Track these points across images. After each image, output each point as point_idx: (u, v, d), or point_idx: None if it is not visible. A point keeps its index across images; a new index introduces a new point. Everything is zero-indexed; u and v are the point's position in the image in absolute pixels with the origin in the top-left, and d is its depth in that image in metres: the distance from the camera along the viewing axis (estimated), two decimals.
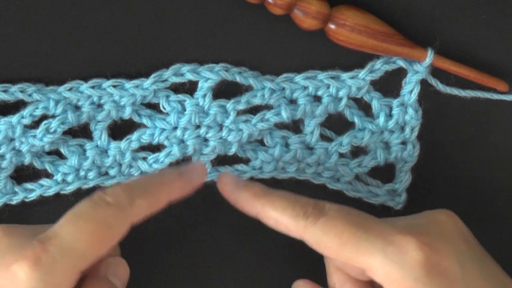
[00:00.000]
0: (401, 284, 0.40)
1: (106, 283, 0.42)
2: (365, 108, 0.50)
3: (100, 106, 0.48)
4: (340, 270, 0.45)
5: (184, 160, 0.49)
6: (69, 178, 0.49)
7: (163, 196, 0.42)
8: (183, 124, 0.48)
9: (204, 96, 0.48)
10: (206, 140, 0.49)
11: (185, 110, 0.48)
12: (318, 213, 0.42)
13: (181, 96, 0.48)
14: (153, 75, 0.48)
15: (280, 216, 0.42)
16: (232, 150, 0.49)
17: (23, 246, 0.39)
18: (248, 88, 0.49)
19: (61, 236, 0.39)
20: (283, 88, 0.49)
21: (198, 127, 0.49)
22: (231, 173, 0.46)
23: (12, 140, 0.47)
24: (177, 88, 0.48)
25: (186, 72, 0.48)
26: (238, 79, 0.48)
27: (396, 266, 0.40)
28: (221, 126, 0.49)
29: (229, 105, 0.48)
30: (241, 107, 0.48)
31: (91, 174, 0.49)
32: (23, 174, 0.49)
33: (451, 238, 0.43)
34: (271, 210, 0.43)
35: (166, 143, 0.48)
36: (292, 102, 0.49)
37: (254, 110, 0.49)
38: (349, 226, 0.41)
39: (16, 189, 0.49)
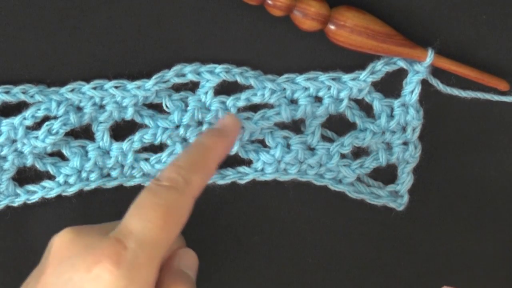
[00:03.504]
0: None
1: (182, 274, 0.42)
2: (366, 108, 0.50)
3: (102, 107, 0.48)
4: None
5: None
6: (71, 180, 0.49)
7: (213, 164, 0.43)
8: (186, 121, 0.48)
9: (206, 93, 0.48)
10: None
11: (188, 108, 0.48)
12: None
13: (183, 93, 0.48)
14: (155, 76, 0.48)
15: None
16: (234, 149, 0.49)
17: (100, 246, 0.38)
18: (250, 88, 0.49)
19: (135, 230, 0.38)
20: (284, 89, 0.49)
21: (200, 124, 0.49)
22: None
23: (14, 141, 0.48)
24: (179, 89, 0.49)
25: (188, 72, 0.48)
26: (239, 79, 0.48)
27: None
28: None
29: (229, 101, 0.48)
30: (240, 104, 0.48)
31: (93, 176, 0.49)
32: (25, 176, 0.49)
33: None
34: None
35: (168, 142, 0.49)
36: (293, 102, 0.49)
37: (256, 109, 0.49)
38: None
39: (18, 191, 0.49)
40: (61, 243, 0.40)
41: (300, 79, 0.49)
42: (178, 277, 0.42)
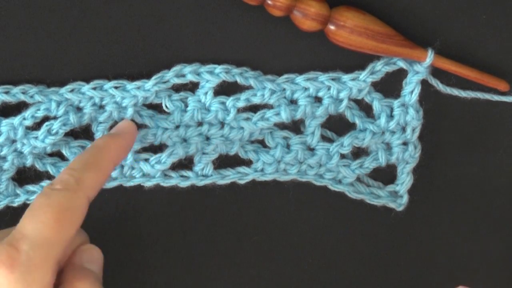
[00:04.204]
0: None
1: (84, 271, 0.42)
2: (366, 109, 0.50)
3: (101, 107, 0.48)
4: None
5: (186, 160, 0.49)
6: None
7: (106, 163, 0.43)
8: (185, 121, 0.48)
9: (206, 93, 0.48)
10: (208, 138, 0.49)
11: (188, 108, 0.48)
12: None
13: (183, 94, 0.48)
14: (154, 77, 0.48)
15: None
16: (234, 149, 0.49)
17: None
18: (250, 88, 0.49)
19: (27, 233, 0.39)
20: (284, 89, 0.49)
21: (200, 125, 0.49)
22: None
23: (14, 141, 0.48)
24: (178, 89, 0.49)
25: (188, 73, 0.48)
26: (239, 80, 0.48)
27: None
28: (222, 124, 0.49)
29: (229, 102, 0.48)
30: (240, 104, 0.48)
31: None
32: (25, 176, 0.49)
33: None
34: None
35: (168, 142, 0.49)
36: (293, 102, 0.49)
37: (255, 109, 0.49)
38: None
39: (18, 191, 0.49)
40: None
41: (300, 79, 0.49)
42: (80, 273, 0.42)
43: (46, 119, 0.47)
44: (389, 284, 0.53)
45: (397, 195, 0.51)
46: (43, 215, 0.39)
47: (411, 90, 0.49)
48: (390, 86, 0.50)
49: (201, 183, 0.50)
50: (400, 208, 0.51)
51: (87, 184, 0.41)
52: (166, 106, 0.48)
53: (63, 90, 0.47)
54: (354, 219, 0.52)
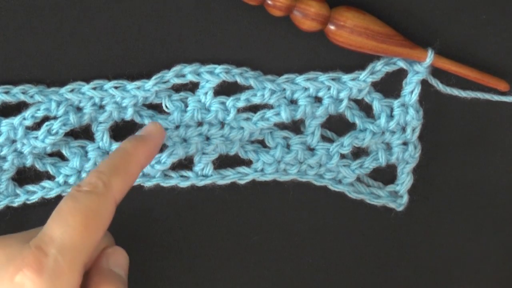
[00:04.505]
0: None
1: (110, 273, 0.42)
2: (366, 109, 0.50)
3: (101, 107, 0.48)
4: None
5: (186, 160, 0.49)
6: (71, 180, 0.49)
7: (134, 167, 0.43)
8: (185, 121, 0.48)
9: (206, 93, 0.48)
10: (208, 138, 0.49)
11: (188, 109, 0.48)
12: None
13: (183, 94, 0.48)
14: (154, 77, 0.48)
15: None
16: (234, 150, 0.49)
17: (21, 255, 0.38)
18: (250, 88, 0.49)
19: (55, 237, 0.39)
20: (284, 89, 0.49)
21: (200, 125, 0.49)
22: None
23: (13, 141, 0.47)
24: (178, 89, 0.49)
25: (188, 73, 0.48)
26: (239, 80, 0.48)
27: None
28: (222, 124, 0.49)
29: (229, 102, 0.48)
30: (240, 104, 0.48)
31: None
32: (25, 176, 0.49)
33: None
34: None
35: (168, 142, 0.49)
36: (293, 102, 0.49)
37: (255, 109, 0.49)
38: None
39: (18, 191, 0.49)
40: None
41: (300, 79, 0.49)
42: (107, 276, 0.42)
43: (46, 119, 0.47)
44: (389, 284, 0.53)
45: (397, 195, 0.51)
46: (72, 219, 0.39)
47: (411, 90, 0.49)
48: (390, 86, 0.50)
49: (201, 183, 0.50)
50: (400, 208, 0.51)
51: (115, 188, 0.41)
52: (166, 106, 0.48)
53: (63, 90, 0.47)
54: (354, 219, 0.52)
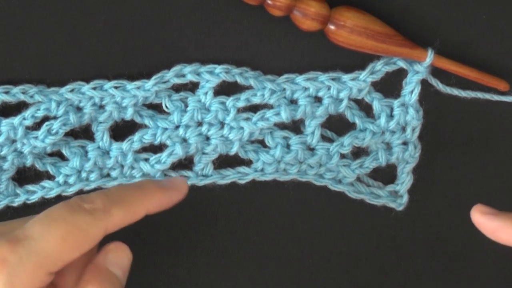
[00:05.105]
0: None
1: (104, 274, 0.40)
2: (366, 108, 0.50)
3: (101, 107, 0.48)
4: None
5: (186, 160, 0.49)
6: (71, 180, 0.49)
7: (140, 208, 0.41)
8: (185, 121, 0.48)
9: (206, 93, 0.48)
10: (208, 138, 0.49)
11: (188, 109, 0.48)
12: None
13: (183, 94, 0.49)
14: (154, 77, 0.48)
15: None
16: (234, 150, 0.49)
17: None
18: (250, 88, 0.49)
19: (31, 237, 0.38)
20: (284, 89, 0.49)
21: (200, 125, 0.49)
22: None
23: (13, 141, 0.47)
24: (178, 89, 0.49)
25: (188, 73, 0.48)
26: (239, 79, 0.48)
27: None
28: (222, 124, 0.49)
29: (229, 102, 0.48)
30: (240, 104, 0.48)
31: (93, 176, 0.49)
32: (25, 175, 0.49)
33: None
34: None
35: (168, 142, 0.49)
36: (293, 102, 0.49)
37: (255, 109, 0.49)
38: None
39: (18, 191, 0.49)
40: None
41: (300, 79, 0.49)
42: (99, 275, 0.40)
43: (46, 119, 0.47)
44: (389, 284, 0.53)
45: (397, 195, 0.51)
46: (55, 228, 0.38)
47: (411, 90, 0.49)
48: (390, 86, 0.50)
49: (201, 183, 0.50)
50: (400, 208, 0.51)
51: (112, 220, 0.40)
52: (166, 106, 0.48)
53: (63, 90, 0.47)
54: (354, 219, 0.52)
